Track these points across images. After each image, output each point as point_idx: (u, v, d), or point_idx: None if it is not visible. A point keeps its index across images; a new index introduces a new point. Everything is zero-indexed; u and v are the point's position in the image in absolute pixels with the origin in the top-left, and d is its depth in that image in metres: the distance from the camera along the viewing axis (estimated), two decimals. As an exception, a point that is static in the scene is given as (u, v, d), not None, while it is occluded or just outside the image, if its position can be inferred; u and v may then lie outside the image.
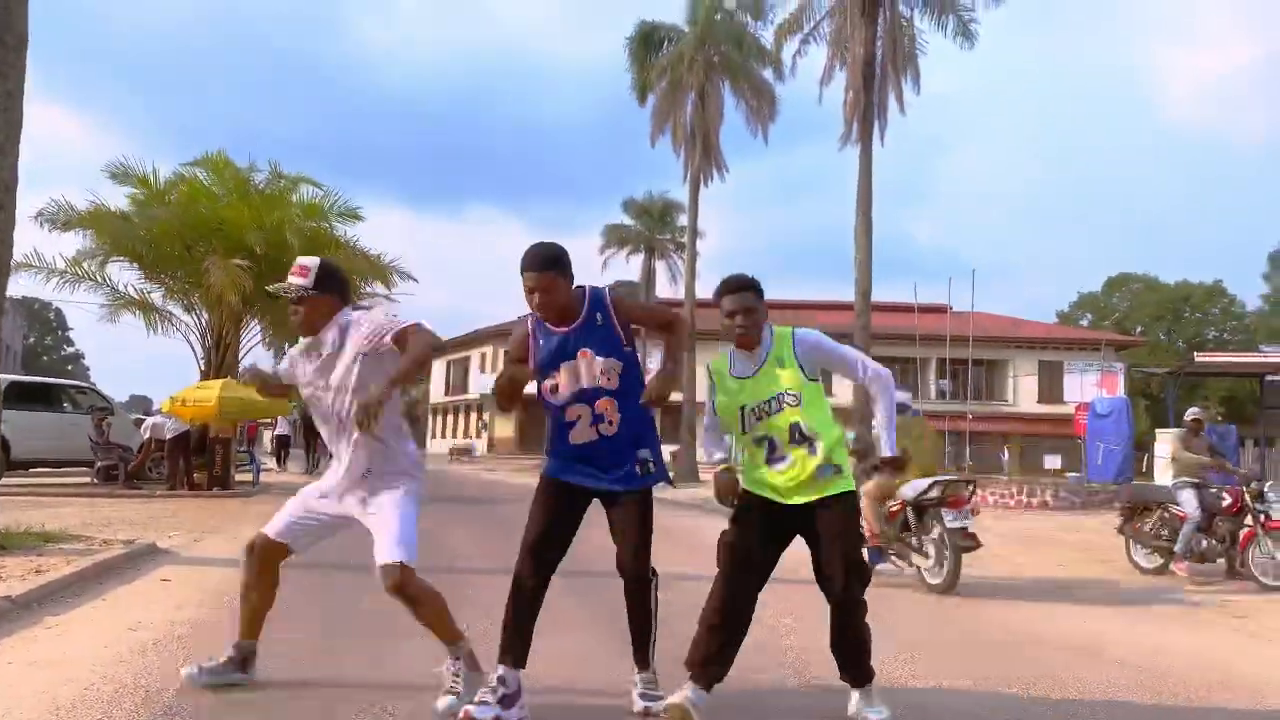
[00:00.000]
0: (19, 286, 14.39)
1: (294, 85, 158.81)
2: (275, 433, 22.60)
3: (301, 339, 3.74)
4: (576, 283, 3.65)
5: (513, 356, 3.71)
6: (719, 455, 3.83)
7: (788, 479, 3.57)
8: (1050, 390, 46.40)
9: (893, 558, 7.71)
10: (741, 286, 3.66)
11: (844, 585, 3.50)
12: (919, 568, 7.45)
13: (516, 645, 3.48)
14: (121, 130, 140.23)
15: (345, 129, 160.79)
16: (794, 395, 3.55)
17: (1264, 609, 7.13)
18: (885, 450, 3.76)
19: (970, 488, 7.82)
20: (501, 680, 3.39)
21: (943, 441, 10.85)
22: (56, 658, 4.06)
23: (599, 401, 3.58)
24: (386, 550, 3.47)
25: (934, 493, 7.44)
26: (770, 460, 3.59)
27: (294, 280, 3.65)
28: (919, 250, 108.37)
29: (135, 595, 6.07)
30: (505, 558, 3.87)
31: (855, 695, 3.61)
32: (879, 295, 22.15)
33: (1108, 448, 20.66)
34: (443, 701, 3.45)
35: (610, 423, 3.59)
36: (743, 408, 3.64)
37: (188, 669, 3.70)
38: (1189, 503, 8.58)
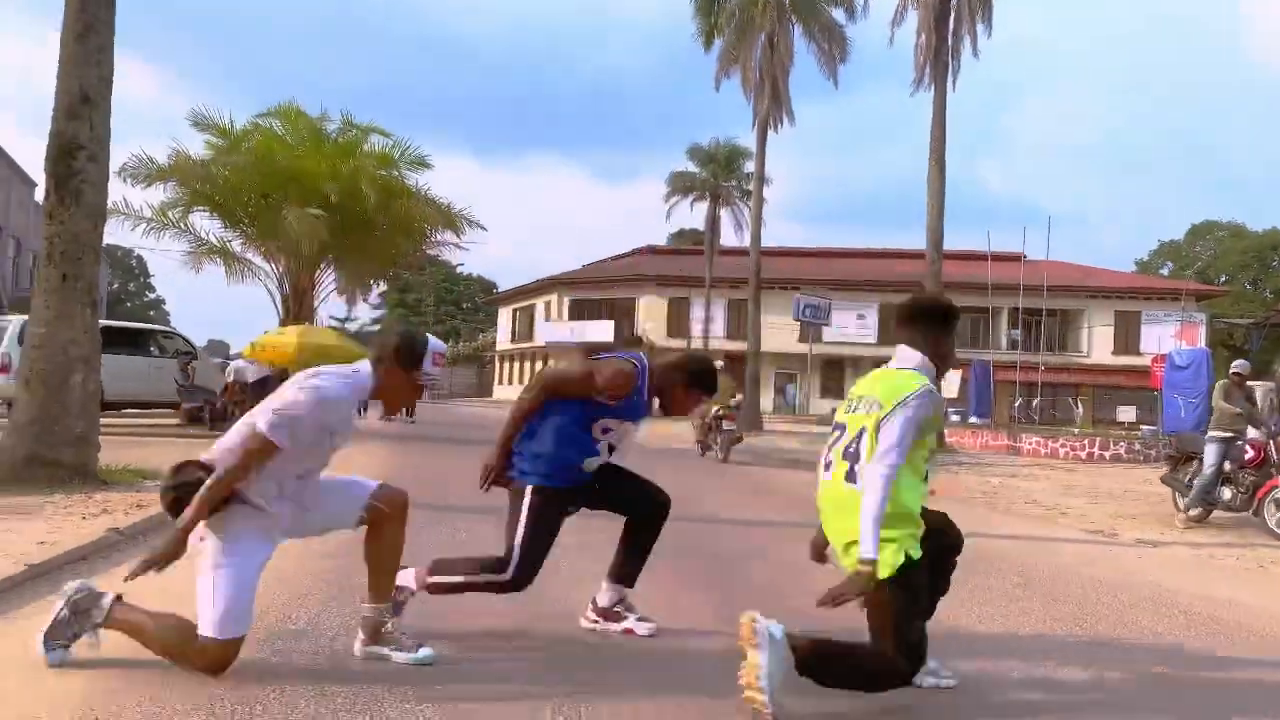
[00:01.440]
0: (108, 233, 14.96)
1: (358, 34, 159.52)
2: None
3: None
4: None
5: (605, 386, 3.71)
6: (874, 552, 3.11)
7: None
8: (1126, 341, 45.24)
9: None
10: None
11: None
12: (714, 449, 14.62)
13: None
14: (189, 82, 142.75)
15: (408, 78, 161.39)
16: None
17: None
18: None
19: (736, 408, 15.44)
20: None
21: (732, 382, 14.60)
22: (165, 586, 4.31)
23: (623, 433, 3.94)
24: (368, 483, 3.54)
25: (720, 413, 14.49)
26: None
27: (435, 379, 3.45)
28: (992, 198, 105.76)
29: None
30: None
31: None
32: (951, 243, 21.75)
33: (1187, 400, 20.14)
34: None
35: (613, 448, 3.91)
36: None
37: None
38: (1210, 455, 8.80)
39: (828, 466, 3.33)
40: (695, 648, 3.87)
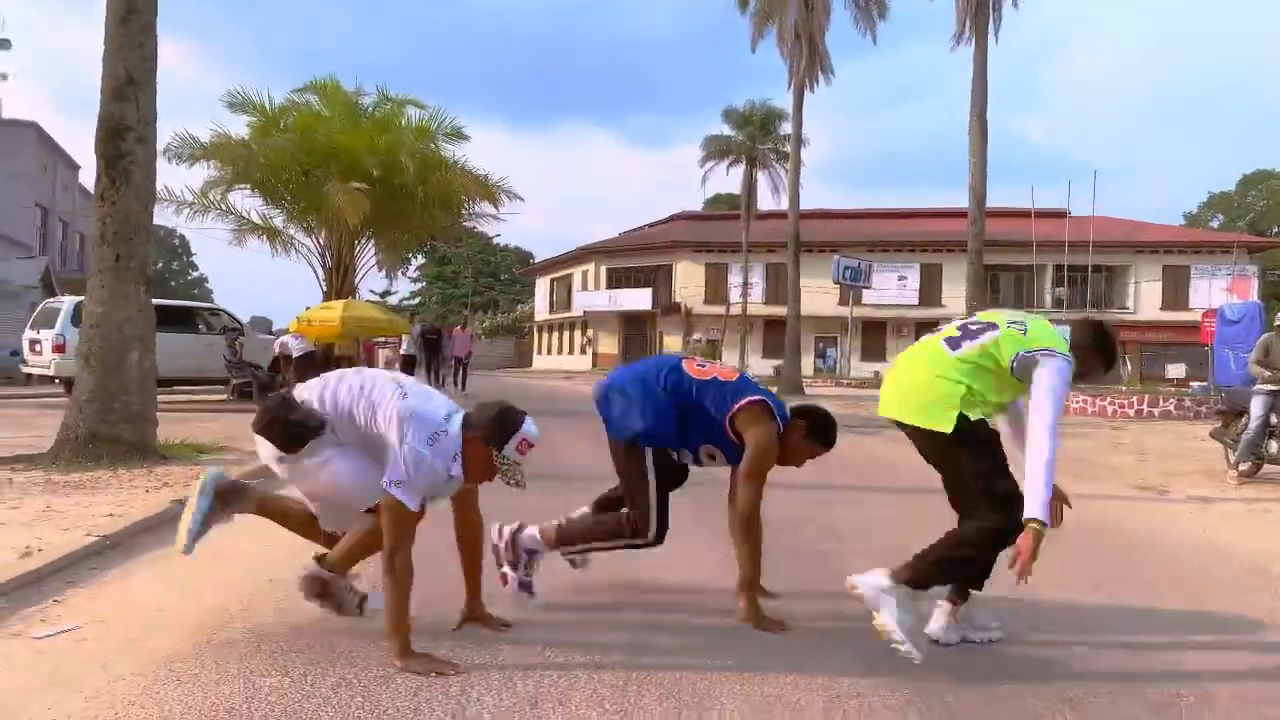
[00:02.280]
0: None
1: (388, 7, 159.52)
2: (402, 351, 22.60)
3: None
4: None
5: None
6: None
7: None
8: (1175, 296, 44.36)
9: None
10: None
11: None
12: None
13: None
14: (225, 62, 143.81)
15: (438, 50, 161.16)
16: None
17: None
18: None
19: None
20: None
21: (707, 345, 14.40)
22: (232, 553, 4.45)
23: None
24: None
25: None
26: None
27: (517, 473, 3.21)
28: (1036, 153, 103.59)
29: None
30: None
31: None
32: (994, 200, 21.42)
33: (1239, 355, 19.76)
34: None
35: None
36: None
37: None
38: (1256, 408, 8.64)
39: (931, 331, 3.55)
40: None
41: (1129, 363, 37.37)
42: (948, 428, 3.30)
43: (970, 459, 3.35)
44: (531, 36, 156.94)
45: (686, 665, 3.13)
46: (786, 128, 35.28)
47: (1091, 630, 3.72)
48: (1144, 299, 45.22)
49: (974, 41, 20.20)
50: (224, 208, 19.05)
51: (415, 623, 3.10)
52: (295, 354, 16.83)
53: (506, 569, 3.87)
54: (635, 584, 4.21)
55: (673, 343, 45.42)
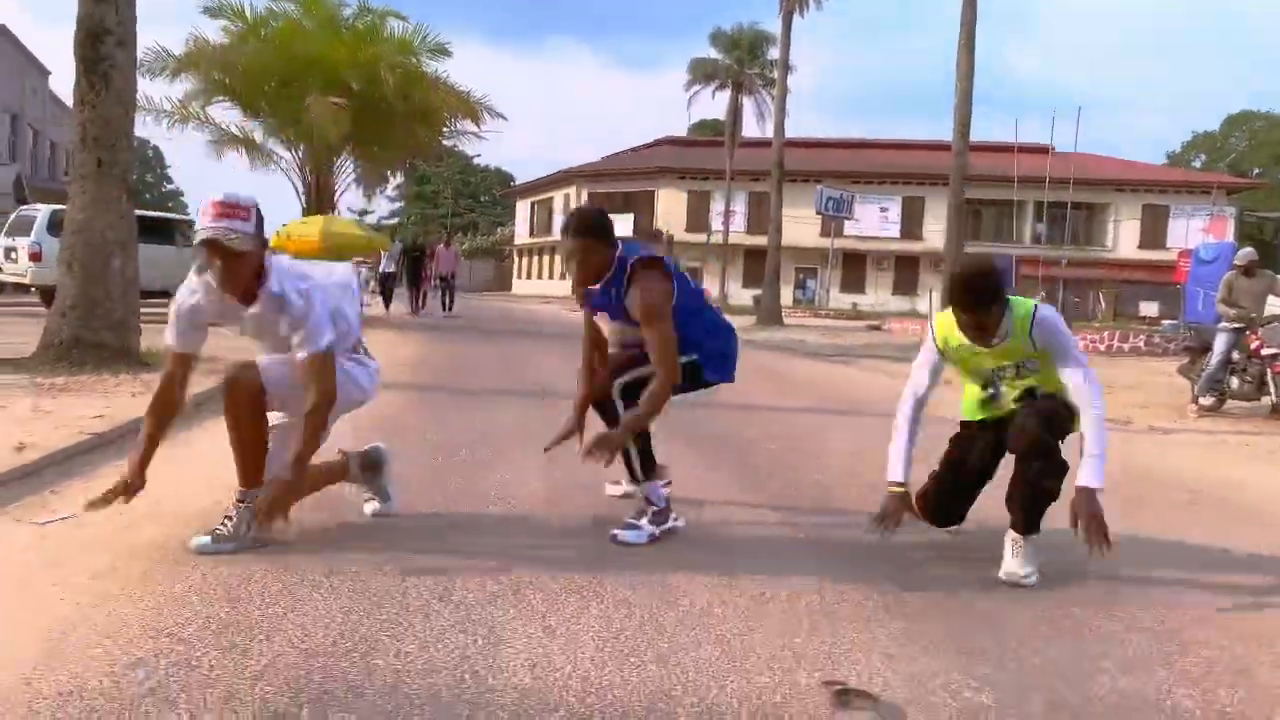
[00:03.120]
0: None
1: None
2: (381, 269, 22.07)
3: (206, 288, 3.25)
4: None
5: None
6: (900, 474, 3.51)
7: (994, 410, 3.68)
8: (1153, 235, 44.69)
9: None
10: (973, 307, 3.37)
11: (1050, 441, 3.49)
12: None
13: (650, 465, 3.68)
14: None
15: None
16: (1036, 363, 3.50)
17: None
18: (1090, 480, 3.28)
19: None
20: (648, 499, 3.66)
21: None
22: (219, 455, 4.58)
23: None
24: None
25: None
26: (985, 401, 3.70)
27: (225, 235, 3.02)
28: (1021, 86, 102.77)
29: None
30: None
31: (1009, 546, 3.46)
32: (978, 134, 21.37)
33: (1208, 294, 20.08)
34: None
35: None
36: (976, 369, 3.65)
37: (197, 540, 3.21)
38: (1219, 344, 8.92)
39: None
40: (719, 519, 4.10)
41: (1103, 299, 37.74)
42: None
43: None
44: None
45: (657, 560, 3.32)
46: (775, 53, 34.84)
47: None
48: (1122, 237, 45.53)
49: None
50: (203, 118, 18.77)
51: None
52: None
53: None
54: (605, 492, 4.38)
55: (653, 269, 45.20)
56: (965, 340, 3.47)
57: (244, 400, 3.27)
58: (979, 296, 3.33)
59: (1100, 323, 28.92)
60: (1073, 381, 3.39)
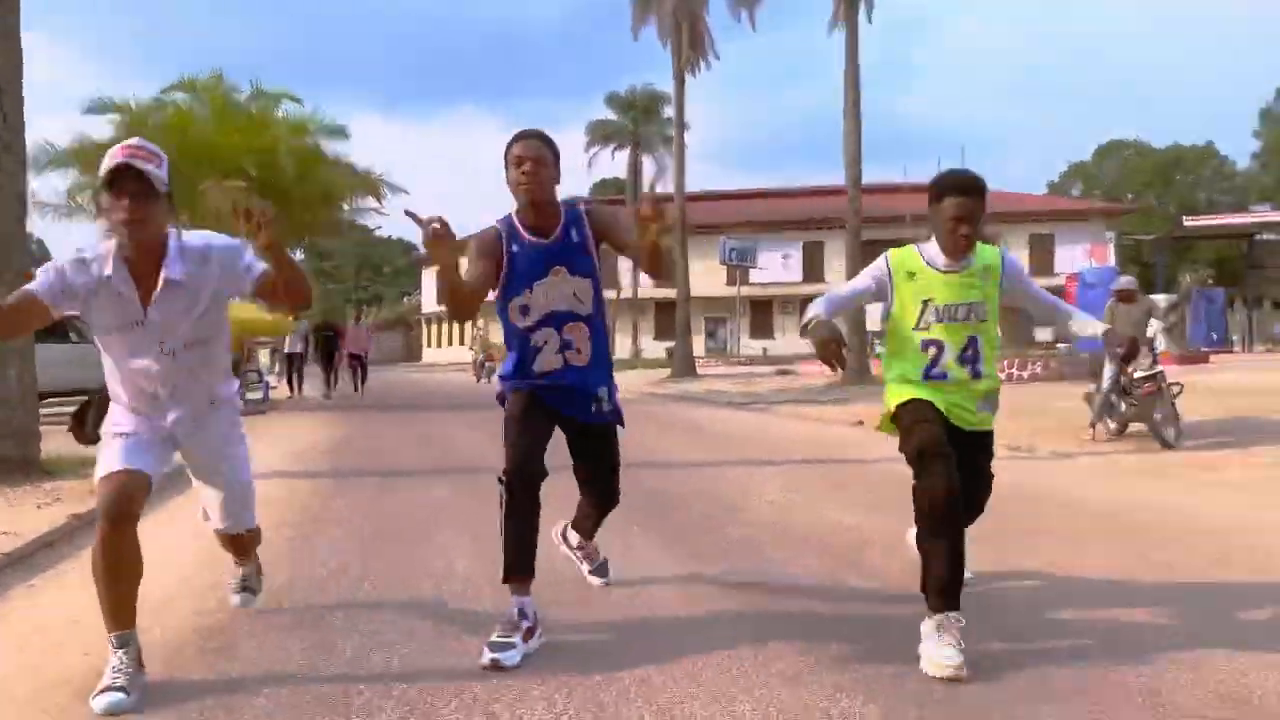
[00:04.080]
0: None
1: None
2: (286, 351, 21.21)
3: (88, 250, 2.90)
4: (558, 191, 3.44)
5: (477, 255, 3.33)
6: (821, 311, 3.30)
7: (943, 400, 3.29)
8: (1041, 262, 46.66)
9: None
10: (970, 189, 3.26)
11: (969, 520, 3.39)
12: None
13: (524, 563, 3.21)
14: (94, 61, 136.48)
15: (313, 36, 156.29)
16: (986, 311, 3.32)
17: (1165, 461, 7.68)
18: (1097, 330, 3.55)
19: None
20: (521, 612, 3.17)
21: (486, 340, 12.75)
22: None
23: (568, 326, 3.35)
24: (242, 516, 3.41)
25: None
26: (928, 374, 3.31)
27: (142, 165, 2.75)
28: (909, 130, 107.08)
29: (192, 505, 6.50)
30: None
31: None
32: (870, 177, 22.22)
33: (1097, 318, 21.06)
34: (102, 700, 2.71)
35: (579, 351, 3.39)
36: (926, 301, 3.31)
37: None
38: (1106, 371, 9.23)
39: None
40: (646, 586, 4.17)
41: (1001, 327, 39.15)
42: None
43: None
44: (409, 18, 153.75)
45: (595, 633, 3.38)
46: (670, 110, 35.70)
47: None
48: (1013, 267, 47.44)
49: (845, 24, 20.85)
50: (92, 210, 18.33)
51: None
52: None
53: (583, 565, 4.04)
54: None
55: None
56: (927, 266, 3.31)
57: (128, 529, 2.81)
58: (977, 181, 3.28)
59: (999, 350, 29.97)
60: (1049, 300, 3.57)
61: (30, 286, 2.83)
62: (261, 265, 2.96)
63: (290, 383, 20.93)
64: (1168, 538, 4.91)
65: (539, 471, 3.20)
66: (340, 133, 19.17)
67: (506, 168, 3.32)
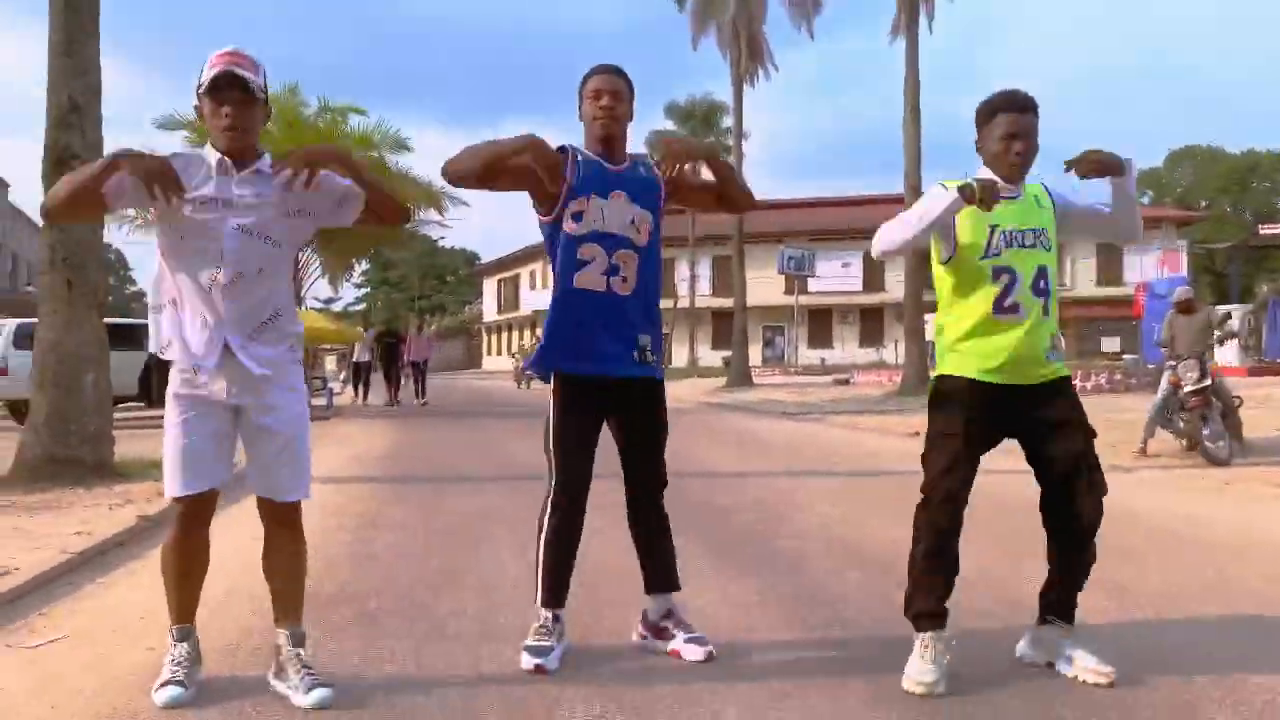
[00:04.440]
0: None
1: (327, 11, 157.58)
2: (353, 360, 21.53)
3: (212, 149, 2.87)
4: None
5: (539, 155, 3.19)
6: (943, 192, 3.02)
7: (1016, 341, 2.98)
8: (1109, 272, 45.62)
9: None
10: (1025, 105, 3.05)
11: (1092, 505, 3.04)
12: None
13: (561, 588, 3.28)
14: (163, 74, 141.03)
15: (378, 52, 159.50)
16: (1049, 239, 3.08)
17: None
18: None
19: None
20: (555, 617, 3.25)
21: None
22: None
23: (619, 252, 3.22)
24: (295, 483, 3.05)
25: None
26: (1000, 307, 3.00)
27: (243, 72, 2.77)
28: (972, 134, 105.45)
29: (253, 509, 6.74)
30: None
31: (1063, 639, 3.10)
32: (932, 184, 22.03)
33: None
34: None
35: (625, 279, 3.22)
36: (994, 226, 3.02)
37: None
38: (1162, 383, 8.97)
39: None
40: (688, 594, 4.22)
41: (1063, 338, 38.38)
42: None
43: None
44: (471, 33, 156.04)
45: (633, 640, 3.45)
46: (729, 120, 35.74)
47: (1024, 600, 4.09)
48: (1080, 275, 46.46)
49: (906, 33, 20.72)
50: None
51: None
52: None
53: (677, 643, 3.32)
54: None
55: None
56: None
57: (201, 532, 3.01)
58: (1030, 97, 3.07)
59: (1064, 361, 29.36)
60: (1101, 208, 3.23)
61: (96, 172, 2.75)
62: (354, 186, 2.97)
63: (357, 390, 21.31)
64: (1216, 553, 4.82)
65: (587, 484, 3.25)
66: (403, 146, 19.55)
67: (581, 101, 3.28)
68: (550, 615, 3.25)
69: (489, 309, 60.85)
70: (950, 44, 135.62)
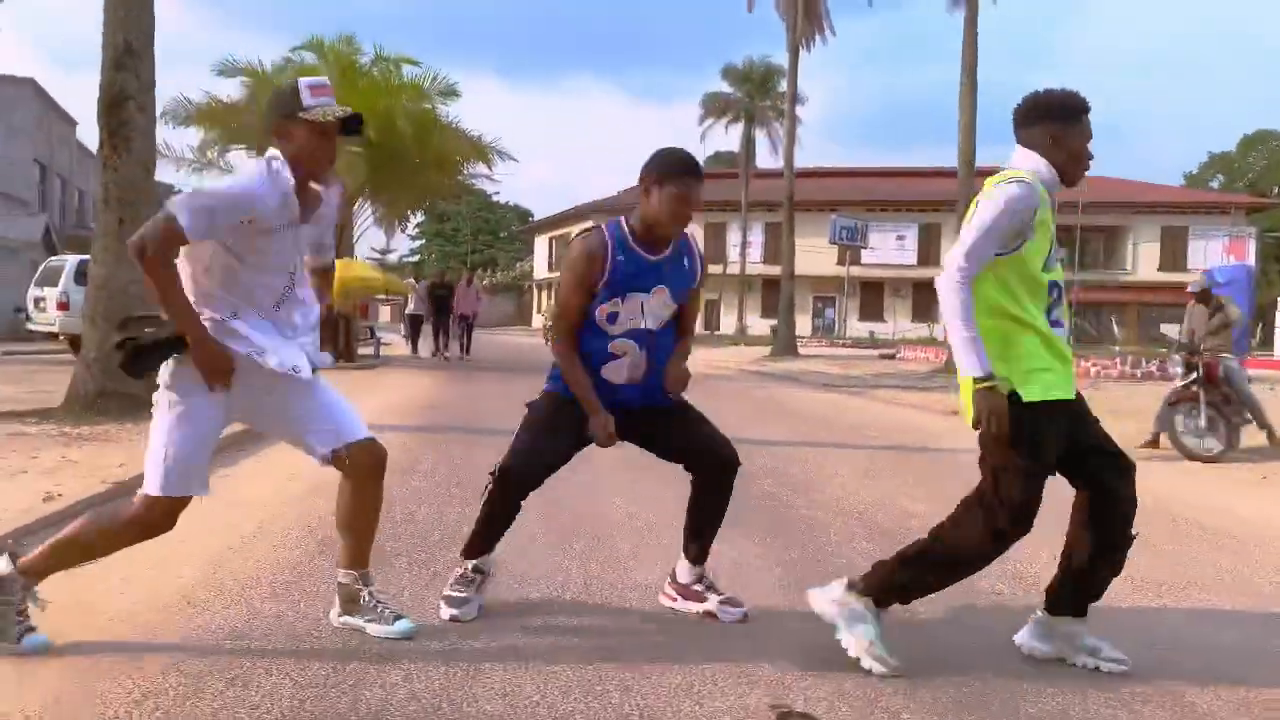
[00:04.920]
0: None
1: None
2: (408, 311, 21.40)
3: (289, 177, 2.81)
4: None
5: (577, 286, 3.17)
6: (987, 366, 2.75)
7: (1068, 367, 2.89)
8: (1173, 257, 44.52)
9: None
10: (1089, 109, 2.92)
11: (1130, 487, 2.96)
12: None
13: (488, 548, 3.34)
14: (227, 16, 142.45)
15: (439, 4, 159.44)
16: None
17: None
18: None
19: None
20: (477, 569, 3.30)
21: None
22: (236, 500, 4.87)
23: (648, 343, 3.24)
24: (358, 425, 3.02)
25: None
26: (1050, 317, 2.88)
27: (334, 107, 2.84)
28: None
29: (288, 452, 6.91)
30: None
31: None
32: (995, 160, 21.61)
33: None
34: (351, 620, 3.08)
35: (650, 368, 3.25)
36: (1052, 236, 2.89)
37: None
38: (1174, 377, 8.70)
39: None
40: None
41: (1120, 324, 37.65)
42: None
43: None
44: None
45: (640, 594, 3.54)
46: (786, 85, 35.32)
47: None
48: (1142, 260, 45.43)
49: (965, 4, 20.26)
50: (222, 165, 19.35)
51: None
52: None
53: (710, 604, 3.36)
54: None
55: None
56: (1048, 196, 2.85)
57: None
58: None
59: (1121, 347, 28.88)
60: None
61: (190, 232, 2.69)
62: (328, 258, 3.20)
63: (413, 342, 21.44)
64: (1238, 542, 4.79)
65: (534, 485, 3.20)
66: (452, 93, 19.59)
67: (660, 187, 3.11)
68: (471, 565, 3.29)
69: (540, 266, 61.12)
70: (1025, 13, 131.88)
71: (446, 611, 3.20)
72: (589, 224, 3.51)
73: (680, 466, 3.38)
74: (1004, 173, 2.89)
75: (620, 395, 3.24)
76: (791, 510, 5.33)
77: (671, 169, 3.12)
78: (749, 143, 43.17)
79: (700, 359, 18.30)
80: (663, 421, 3.32)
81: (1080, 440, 2.91)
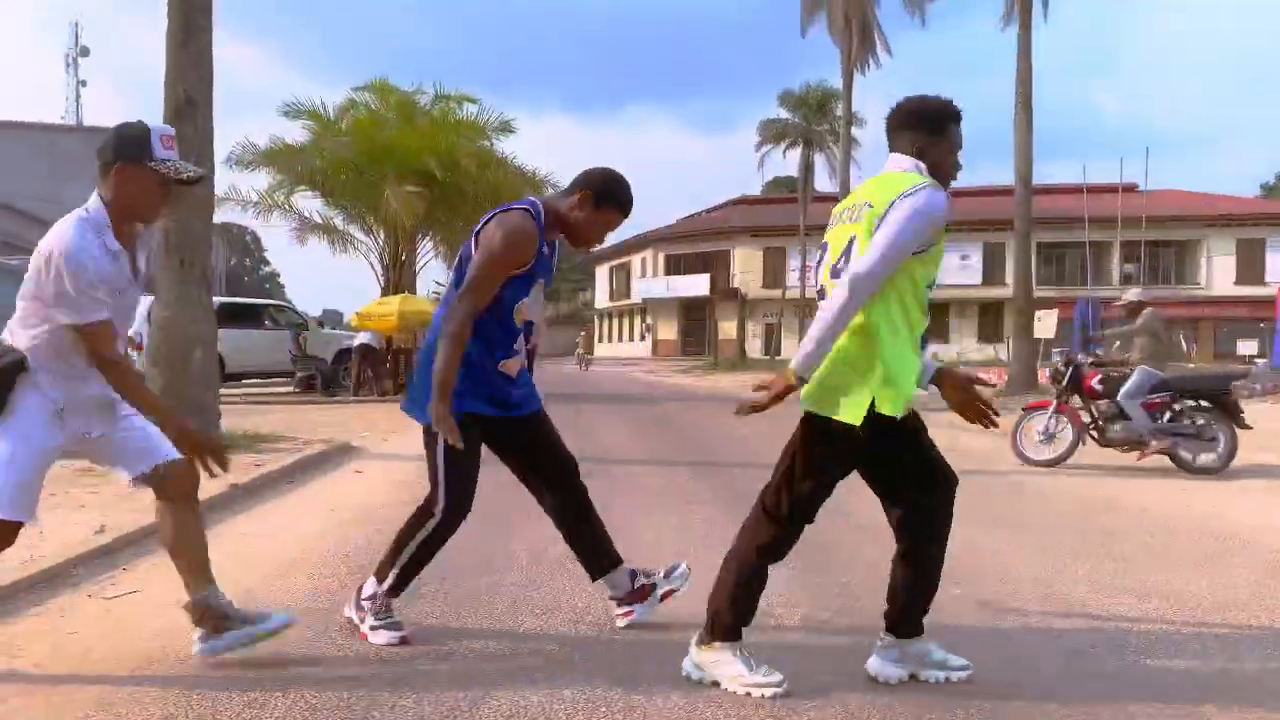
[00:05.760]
0: (221, 215, 16.63)
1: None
2: None
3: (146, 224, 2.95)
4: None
5: (514, 259, 3.05)
6: (805, 364, 2.86)
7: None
8: (1250, 270, 43.09)
9: None
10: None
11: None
12: None
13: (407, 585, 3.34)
14: (291, 59, 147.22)
15: (501, 39, 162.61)
16: None
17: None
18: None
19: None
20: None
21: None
22: (276, 530, 5.03)
23: (528, 335, 3.28)
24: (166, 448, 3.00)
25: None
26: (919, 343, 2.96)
27: (187, 167, 2.87)
28: (1105, 123, 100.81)
29: (334, 484, 7.16)
30: (662, 451, 4.41)
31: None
32: (1061, 176, 21.31)
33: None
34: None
35: (525, 368, 3.33)
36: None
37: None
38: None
39: (821, 295, 2.94)
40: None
41: (1191, 339, 36.51)
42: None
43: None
44: (589, 18, 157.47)
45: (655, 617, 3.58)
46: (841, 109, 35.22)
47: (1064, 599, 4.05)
48: (1216, 274, 44.05)
49: (1019, 22, 20.05)
50: (287, 207, 20.02)
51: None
52: (356, 344, 17.72)
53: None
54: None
55: (728, 328, 45.64)
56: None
57: None
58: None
59: (1193, 363, 27.97)
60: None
61: (106, 320, 2.78)
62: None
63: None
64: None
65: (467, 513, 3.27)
66: (507, 128, 20.06)
67: (599, 208, 3.18)
68: (390, 600, 3.31)
69: (601, 296, 61.60)
70: (1086, 25, 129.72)
71: (393, 636, 3.24)
72: (644, 254, 3.49)
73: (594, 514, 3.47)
74: (900, 176, 2.85)
75: (514, 395, 3.23)
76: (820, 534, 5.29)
77: (619, 202, 3.21)
78: (808, 167, 43.01)
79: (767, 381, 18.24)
80: (537, 428, 3.37)
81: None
